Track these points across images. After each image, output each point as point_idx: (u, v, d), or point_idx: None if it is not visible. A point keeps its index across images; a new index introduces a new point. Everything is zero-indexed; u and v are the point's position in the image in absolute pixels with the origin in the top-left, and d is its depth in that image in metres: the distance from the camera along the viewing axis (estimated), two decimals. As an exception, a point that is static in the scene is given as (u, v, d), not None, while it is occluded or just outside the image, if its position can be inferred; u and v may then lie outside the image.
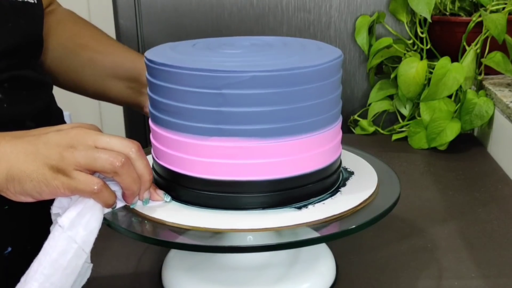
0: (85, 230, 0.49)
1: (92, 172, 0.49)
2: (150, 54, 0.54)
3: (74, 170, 0.48)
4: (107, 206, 0.51)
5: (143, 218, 0.52)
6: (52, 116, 0.75)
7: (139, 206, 0.53)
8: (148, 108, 0.71)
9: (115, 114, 1.43)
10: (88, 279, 0.60)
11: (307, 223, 0.50)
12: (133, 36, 1.19)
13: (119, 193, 0.52)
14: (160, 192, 0.54)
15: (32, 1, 0.68)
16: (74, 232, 0.48)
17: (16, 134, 0.51)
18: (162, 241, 0.51)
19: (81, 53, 0.78)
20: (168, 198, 0.54)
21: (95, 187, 0.49)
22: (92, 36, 0.81)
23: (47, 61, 0.78)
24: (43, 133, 0.50)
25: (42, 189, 0.48)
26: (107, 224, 0.51)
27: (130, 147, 0.50)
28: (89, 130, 0.51)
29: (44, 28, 0.72)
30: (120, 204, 0.52)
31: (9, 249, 0.64)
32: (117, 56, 0.79)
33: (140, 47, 1.20)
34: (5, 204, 0.63)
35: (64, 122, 0.79)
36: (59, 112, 0.79)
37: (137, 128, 1.29)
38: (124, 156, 0.49)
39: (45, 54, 0.77)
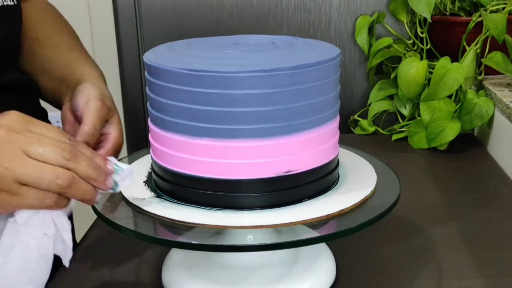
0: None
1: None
2: (149, 54, 0.54)
3: (21, 187, 0.45)
4: (63, 208, 0.48)
5: (143, 218, 0.52)
6: (37, 118, 0.75)
7: (138, 203, 0.53)
8: (62, 110, 0.66)
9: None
10: (89, 279, 0.60)
11: (305, 220, 0.50)
12: (133, 36, 1.19)
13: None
14: (110, 164, 0.50)
15: (12, 3, 0.66)
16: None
17: None
18: (162, 240, 0.51)
19: (28, 44, 0.74)
20: (120, 170, 0.50)
21: (50, 201, 0.46)
22: (46, 29, 0.76)
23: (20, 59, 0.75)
24: None
25: None
26: (108, 223, 0.51)
27: (64, 156, 0.46)
28: (10, 133, 0.46)
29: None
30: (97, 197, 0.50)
31: None
32: (56, 52, 0.74)
33: (140, 47, 1.20)
34: None
35: (48, 122, 0.78)
36: (44, 113, 0.77)
37: (137, 128, 1.29)
38: (68, 172, 0.45)
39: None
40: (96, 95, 0.62)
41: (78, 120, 0.62)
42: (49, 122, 0.79)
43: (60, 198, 0.47)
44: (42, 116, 0.78)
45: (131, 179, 0.52)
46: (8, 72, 0.67)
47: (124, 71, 1.20)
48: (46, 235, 0.49)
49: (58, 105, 0.72)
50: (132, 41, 1.20)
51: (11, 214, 0.48)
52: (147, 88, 0.55)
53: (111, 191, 0.51)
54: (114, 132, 0.62)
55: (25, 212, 0.48)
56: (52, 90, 0.72)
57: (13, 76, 0.67)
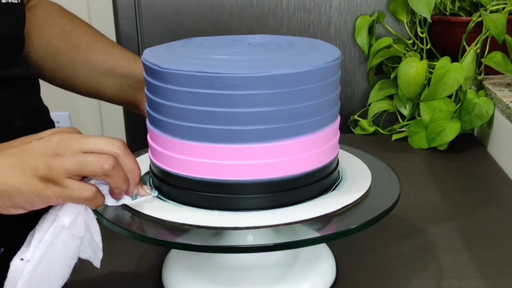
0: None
1: (82, 177, 0.49)
2: (147, 54, 0.54)
3: (65, 179, 0.48)
4: (96, 208, 0.51)
5: (143, 218, 0.52)
6: (40, 114, 0.75)
7: (138, 205, 0.53)
8: (143, 105, 0.72)
9: (115, 114, 1.43)
10: (89, 279, 0.60)
11: (304, 220, 0.50)
12: (133, 36, 1.19)
13: (106, 190, 0.52)
14: (147, 187, 0.54)
15: (16, 1, 0.68)
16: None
17: None
18: (162, 241, 0.51)
19: (72, 53, 0.77)
20: (155, 193, 0.54)
21: (90, 193, 0.48)
22: (83, 34, 0.80)
23: (33, 58, 0.77)
24: (25, 143, 0.49)
25: (33, 201, 0.48)
26: (108, 225, 0.51)
27: (116, 146, 0.50)
28: (71, 134, 0.50)
29: (28, 24, 0.72)
30: (108, 201, 0.52)
31: (2, 250, 0.64)
32: (110, 54, 0.78)
33: (140, 47, 1.20)
34: None
35: (50, 120, 0.79)
36: (46, 110, 0.79)
37: (137, 129, 1.29)
38: (113, 158, 0.49)
39: (32, 51, 0.76)
40: None
41: None
42: (51, 120, 0.79)
43: (98, 194, 0.49)
44: (45, 113, 0.78)
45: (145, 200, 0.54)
46: (13, 67, 0.68)
47: (124, 71, 1.20)
48: (74, 236, 0.50)
49: (126, 103, 0.78)
50: (132, 41, 1.20)
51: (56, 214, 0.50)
52: (145, 89, 0.55)
53: (129, 198, 0.53)
54: None
55: (70, 216, 0.50)
56: (117, 89, 0.77)
57: (17, 71, 0.69)
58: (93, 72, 0.77)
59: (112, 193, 0.52)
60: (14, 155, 0.48)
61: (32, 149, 0.48)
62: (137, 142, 1.27)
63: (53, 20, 0.79)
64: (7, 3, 0.66)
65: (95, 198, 0.49)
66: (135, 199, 0.53)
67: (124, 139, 1.29)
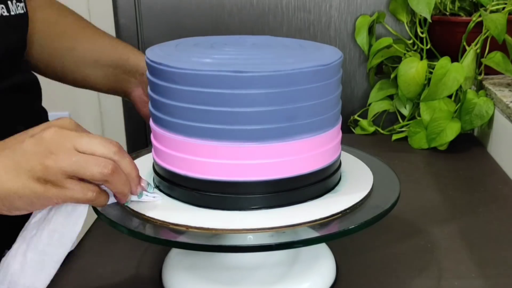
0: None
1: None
2: (150, 53, 0.54)
3: (65, 179, 0.46)
4: (100, 207, 0.50)
5: (143, 218, 0.52)
6: (40, 118, 0.75)
7: (137, 205, 0.53)
8: (135, 93, 0.72)
9: (115, 114, 1.43)
10: (89, 279, 0.60)
11: (306, 222, 0.50)
12: (133, 36, 1.19)
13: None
14: (143, 181, 0.53)
15: (23, 11, 0.69)
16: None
17: None
18: (163, 240, 0.51)
19: (59, 41, 0.77)
20: (151, 188, 0.53)
21: (93, 195, 0.48)
22: (71, 23, 0.79)
23: (30, 52, 0.77)
24: (18, 143, 0.48)
25: (33, 202, 0.47)
26: (109, 224, 0.51)
27: (112, 149, 0.48)
28: (63, 130, 0.48)
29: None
30: (111, 200, 0.52)
31: (6, 252, 0.64)
32: (97, 42, 0.78)
33: (140, 47, 1.20)
34: None
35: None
36: (45, 112, 0.79)
37: (137, 128, 1.29)
38: (112, 162, 0.47)
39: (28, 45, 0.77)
40: None
41: None
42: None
43: (101, 194, 0.49)
44: (44, 115, 0.78)
45: (149, 199, 0.54)
46: (17, 74, 0.69)
47: (124, 71, 1.20)
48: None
49: (113, 91, 0.78)
50: (132, 41, 1.20)
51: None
52: (148, 88, 0.55)
53: (134, 197, 0.53)
54: None
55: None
56: (104, 78, 0.77)
57: (20, 77, 0.69)
58: (80, 61, 0.77)
59: (116, 197, 0.51)
60: (8, 156, 0.47)
61: (25, 149, 0.47)
62: (137, 142, 1.27)
63: (42, 11, 0.78)
64: (15, 15, 0.67)
65: (98, 198, 0.48)
66: (141, 197, 0.53)
67: (124, 139, 1.29)
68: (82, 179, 0.48)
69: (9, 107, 0.67)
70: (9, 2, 0.66)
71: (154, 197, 0.54)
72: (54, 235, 0.49)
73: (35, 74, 0.77)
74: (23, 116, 0.68)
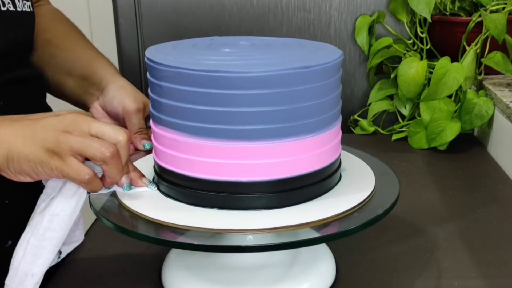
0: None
1: (84, 160, 0.51)
2: (150, 53, 0.54)
3: (69, 156, 0.50)
4: (92, 191, 0.53)
5: (143, 218, 0.52)
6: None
7: (137, 205, 0.53)
8: (93, 105, 0.74)
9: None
10: (89, 279, 0.60)
11: (307, 223, 0.50)
12: (133, 36, 1.19)
13: (100, 174, 0.53)
14: (146, 180, 0.56)
15: (29, 10, 0.71)
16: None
17: (14, 118, 0.54)
18: (163, 240, 0.51)
19: (44, 48, 0.78)
20: (153, 186, 0.56)
21: (86, 177, 0.51)
22: (60, 32, 0.81)
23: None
24: (42, 118, 0.53)
25: (38, 170, 0.51)
26: (109, 225, 0.51)
27: (120, 135, 0.52)
28: (84, 116, 0.52)
29: None
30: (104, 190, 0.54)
31: (10, 242, 0.65)
32: (75, 53, 0.79)
33: (140, 47, 1.20)
34: (5, 198, 0.64)
35: None
36: (49, 110, 0.79)
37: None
38: (114, 147, 0.51)
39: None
40: (130, 104, 0.70)
41: (110, 116, 0.73)
42: None
43: (95, 179, 0.52)
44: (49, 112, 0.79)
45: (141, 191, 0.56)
46: (21, 68, 0.71)
47: (124, 71, 1.20)
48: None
49: (79, 103, 0.79)
50: (132, 41, 1.20)
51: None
52: (149, 89, 0.55)
53: (120, 189, 0.55)
54: None
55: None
56: (74, 89, 0.78)
57: (25, 72, 0.71)
58: (57, 69, 0.78)
59: (103, 179, 0.53)
60: (29, 126, 0.52)
61: (46, 123, 0.52)
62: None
63: (41, 18, 0.80)
64: (22, 11, 0.69)
65: (91, 182, 0.51)
66: (128, 190, 0.54)
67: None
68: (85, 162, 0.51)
69: (14, 99, 0.68)
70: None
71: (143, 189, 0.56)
72: (54, 219, 0.52)
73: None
74: (28, 110, 0.69)
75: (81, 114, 0.53)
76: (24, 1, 0.70)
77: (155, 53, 0.54)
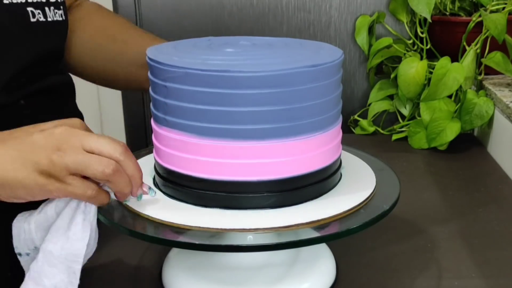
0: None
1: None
2: (152, 53, 0.54)
3: (68, 176, 0.48)
4: (100, 205, 0.51)
5: (144, 217, 0.52)
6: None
7: (137, 205, 0.53)
8: None
9: (115, 114, 1.43)
10: (89, 279, 0.60)
11: (307, 223, 0.50)
12: (133, 36, 1.19)
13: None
14: (145, 186, 0.53)
15: (61, 19, 0.69)
16: None
17: None
18: (163, 240, 0.51)
19: (109, 46, 0.78)
20: (152, 193, 0.54)
21: (92, 193, 0.49)
22: (120, 27, 0.80)
23: (74, 55, 0.78)
24: (26, 135, 0.49)
25: (35, 193, 0.48)
26: (109, 224, 0.51)
27: (118, 151, 0.49)
28: (73, 129, 0.49)
29: (70, 21, 0.73)
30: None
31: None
32: (144, 45, 0.77)
33: (140, 47, 1.20)
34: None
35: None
36: (80, 116, 0.78)
37: (137, 128, 1.29)
38: (114, 163, 0.48)
39: (72, 48, 0.77)
40: None
41: None
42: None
43: (100, 192, 0.50)
44: (79, 118, 0.78)
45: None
46: (49, 77, 0.69)
47: (124, 71, 1.20)
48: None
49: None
50: (132, 41, 1.19)
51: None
52: (150, 90, 0.55)
53: (133, 198, 0.53)
54: None
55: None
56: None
57: (53, 79, 0.70)
58: (129, 64, 0.78)
59: (116, 195, 0.52)
60: (15, 148, 0.48)
61: (34, 142, 0.48)
62: (137, 142, 1.27)
63: (91, 16, 0.80)
64: (53, 21, 0.67)
65: (97, 196, 0.49)
66: (140, 199, 0.53)
67: (124, 139, 1.29)
68: (85, 177, 0.49)
69: (41, 107, 0.67)
70: (46, 8, 0.66)
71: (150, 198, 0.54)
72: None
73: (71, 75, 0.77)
74: (56, 116, 0.68)
75: (69, 126, 0.49)
76: (56, 10, 0.68)
77: (158, 54, 0.54)
